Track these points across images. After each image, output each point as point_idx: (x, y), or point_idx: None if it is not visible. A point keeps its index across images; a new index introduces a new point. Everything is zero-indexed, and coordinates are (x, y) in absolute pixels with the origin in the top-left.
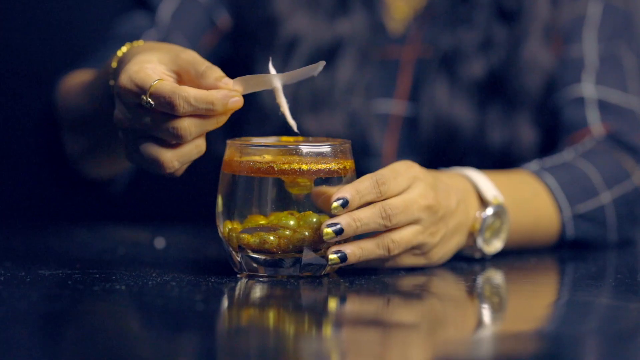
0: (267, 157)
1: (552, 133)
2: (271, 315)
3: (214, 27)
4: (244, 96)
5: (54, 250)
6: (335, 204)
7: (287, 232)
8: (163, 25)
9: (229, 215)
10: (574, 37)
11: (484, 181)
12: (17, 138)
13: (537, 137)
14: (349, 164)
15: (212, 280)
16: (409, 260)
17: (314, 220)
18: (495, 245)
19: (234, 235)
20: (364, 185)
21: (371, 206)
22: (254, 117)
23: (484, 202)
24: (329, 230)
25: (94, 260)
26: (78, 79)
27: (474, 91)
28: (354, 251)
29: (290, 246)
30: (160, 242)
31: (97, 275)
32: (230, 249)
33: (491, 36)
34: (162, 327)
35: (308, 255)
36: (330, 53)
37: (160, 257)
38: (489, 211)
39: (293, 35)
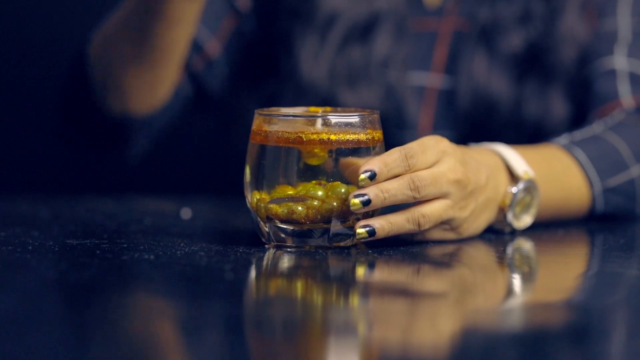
0: (296, 128)
1: (583, 107)
2: (299, 286)
3: (232, 10)
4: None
5: (80, 220)
6: (362, 176)
7: (315, 203)
8: None
9: (257, 185)
10: (608, 11)
11: (514, 156)
12: (43, 107)
13: (568, 111)
14: (378, 134)
15: (241, 250)
16: (438, 235)
17: (342, 190)
18: (525, 221)
19: (262, 205)
20: (392, 158)
21: (399, 178)
22: (290, 91)
23: (514, 178)
24: (357, 201)
25: (121, 231)
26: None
27: (511, 65)
28: (383, 225)
29: (319, 216)
30: (186, 213)
31: (125, 245)
32: (258, 219)
33: (529, 9)
34: (191, 296)
35: (336, 226)
36: (367, 28)
37: (187, 227)
38: (520, 186)
39: (331, 11)
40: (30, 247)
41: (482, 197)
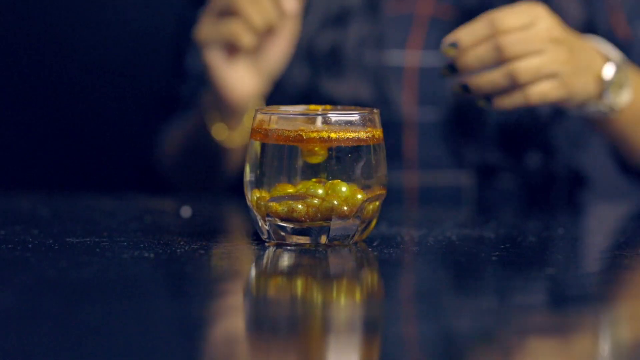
0: (296, 126)
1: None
2: (299, 284)
3: None
4: None
5: (80, 218)
6: (447, 47)
7: (316, 201)
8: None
9: (257, 183)
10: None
11: (605, 45)
12: (43, 106)
13: (582, 14)
14: (378, 132)
15: (240, 248)
16: (547, 88)
17: (343, 189)
18: (624, 96)
19: (262, 203)
20: (477, 24)
21: (484, 41)
22: (279, 88)
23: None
24: (450, 49)
25: (121, 229)
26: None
27: None
28: (475, 79)
29: (319, 215)
30: (186, 211)
31: (125, 243)
32: (259, 217)
33: None
34: (191, 294)
35: (336, 224)
36: (339, 14)
37: (187, 225)
38: (614, 62)
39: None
40: (30, 245)
41: (584, 56)
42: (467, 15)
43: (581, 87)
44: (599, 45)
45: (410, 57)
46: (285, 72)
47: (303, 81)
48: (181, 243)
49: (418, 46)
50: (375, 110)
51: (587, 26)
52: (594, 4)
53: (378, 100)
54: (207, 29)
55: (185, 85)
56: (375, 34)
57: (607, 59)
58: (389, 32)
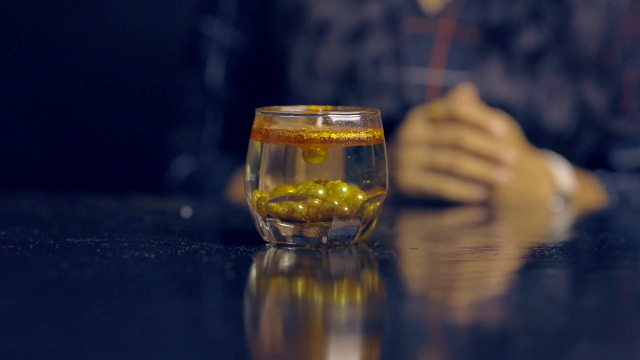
0: (296, 126)
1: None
2: (300, 284)
3: (226, 53)
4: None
5: (81, 218)
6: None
7: (316, 201)
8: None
9: (258, 184)
10: None
11: (560, 168)
12: (43, 106)
13: (604, 99)
14: (379, 133)
15: (241, 249)
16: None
17: (344, 190)
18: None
19: (262, 204)
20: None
21: None
22: (282, 90)
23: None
24: None
25: (122, 229)
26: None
27: (525, 66)
28: None
29: (319, 215)
30: (187, 212)
31: (126, 244)
32: (259, 218)
33: (539, 9)
34: (192, 295)
35: (337, 225)
36: (359, 33)
37: (188, 226)
38: (560, 194)
39: (321, 20)
40: (30, 246)
41: (527, 184)
42: (489, 36)
43: (511, 199)
44: (553, 168)
45: (433, 76)
46: (307, 90)
47: (324, 98)
48: (182, 244)
49: (441, 65)
50: (376, 111)
51: (605, 46)
52: (615, 23)
53: (400, 118)
54: (415, 178)
55: (195, 98)
56: (394, 50)
57: (554, 188)
58: (411, 51)
